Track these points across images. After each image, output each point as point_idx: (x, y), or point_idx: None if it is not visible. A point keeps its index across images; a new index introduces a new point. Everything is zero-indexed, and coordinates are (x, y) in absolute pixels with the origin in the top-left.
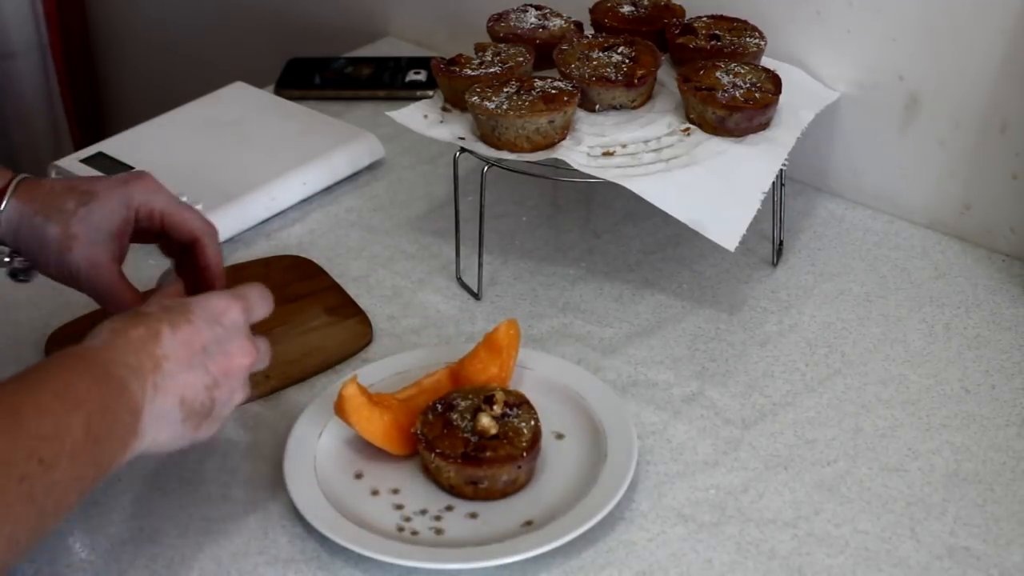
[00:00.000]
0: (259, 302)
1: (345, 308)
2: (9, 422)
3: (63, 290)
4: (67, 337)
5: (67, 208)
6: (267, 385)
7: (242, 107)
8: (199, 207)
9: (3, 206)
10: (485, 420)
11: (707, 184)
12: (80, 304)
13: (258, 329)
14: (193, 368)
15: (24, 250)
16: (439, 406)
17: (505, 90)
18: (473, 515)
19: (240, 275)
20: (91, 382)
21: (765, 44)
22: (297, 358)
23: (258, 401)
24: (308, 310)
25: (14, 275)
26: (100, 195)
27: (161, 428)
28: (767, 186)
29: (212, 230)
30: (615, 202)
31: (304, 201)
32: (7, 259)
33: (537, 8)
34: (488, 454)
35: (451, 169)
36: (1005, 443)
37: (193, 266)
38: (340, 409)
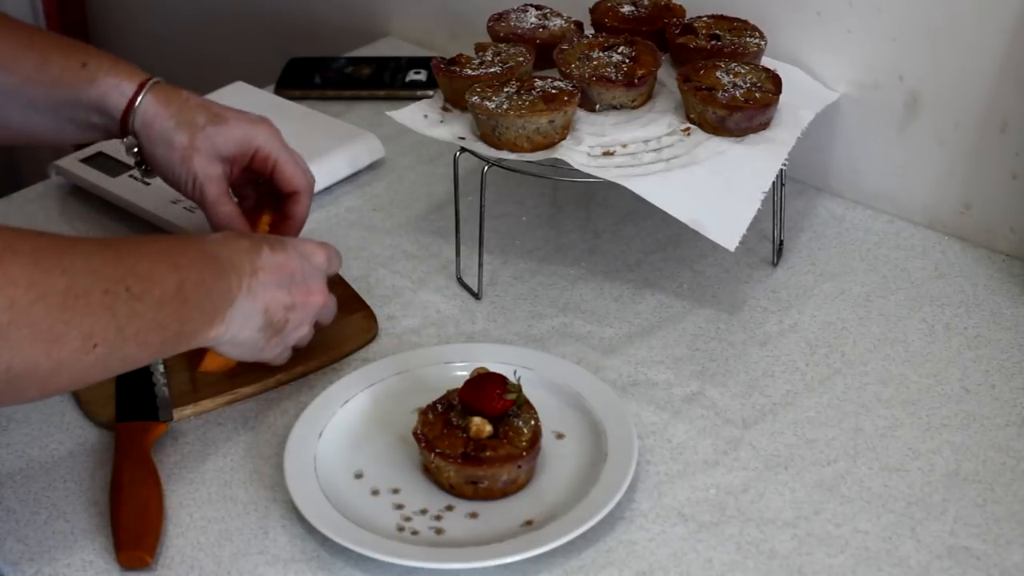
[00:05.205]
0: (336, 257)
1: (351, 303)
2: (110, 254)
3: None
4: None
5: (197, 122)
6: (274, 379)
7: (242, 107)
8: None
9: (139, 102)
10: (477, 420)
11: (707, 184)
12: None
13: None
14: (280, 287)
15: (146, 145)
16: (439, 406)
17: (505, 90)
18: (473, 515)
19: None
20: (195, 257)
21: (765, 44)
22: (303, 352)
23: (258, 400)
24: None
25: (139, 165)
26: (230, 121)
27: (244, 327)
28: (767, 186)
29: (312, 187)
30: (615, 202)
31: None
32: (136, 150)
33: (537, 8)
34: (488, 454)
35: (451, 169)
36: (1005, 443)
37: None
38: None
